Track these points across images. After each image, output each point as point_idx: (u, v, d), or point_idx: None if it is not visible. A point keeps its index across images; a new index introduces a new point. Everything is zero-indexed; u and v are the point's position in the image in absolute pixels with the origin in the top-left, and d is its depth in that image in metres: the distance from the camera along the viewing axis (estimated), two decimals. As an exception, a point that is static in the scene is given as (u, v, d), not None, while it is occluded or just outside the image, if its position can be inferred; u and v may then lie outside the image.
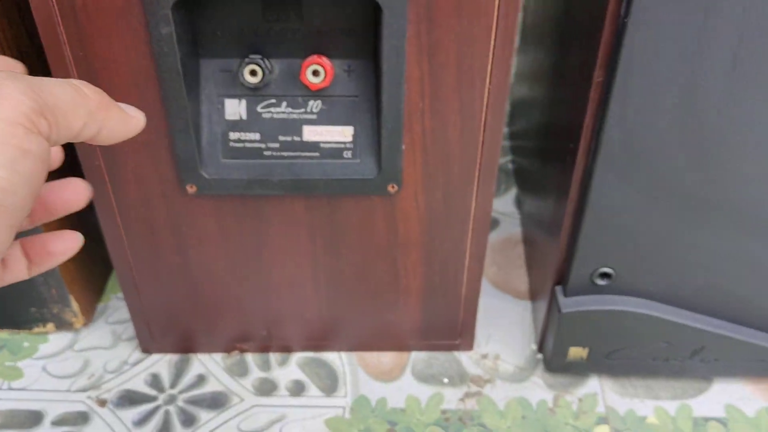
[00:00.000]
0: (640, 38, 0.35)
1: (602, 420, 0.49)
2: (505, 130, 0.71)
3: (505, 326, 0.55)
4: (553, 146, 0.49)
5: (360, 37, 0.39)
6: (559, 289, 0.48)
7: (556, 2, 0.50)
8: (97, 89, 0.27)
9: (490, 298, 0.57)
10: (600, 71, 0.38)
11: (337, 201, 0.44)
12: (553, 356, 0.50)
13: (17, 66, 0.30)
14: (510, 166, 0.68)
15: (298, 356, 0.53)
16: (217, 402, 0.50)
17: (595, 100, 0.39)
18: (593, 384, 0.51)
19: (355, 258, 0.47)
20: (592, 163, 0.41)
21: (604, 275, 0.46)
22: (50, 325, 0.53)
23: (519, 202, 0.64)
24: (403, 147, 0.41)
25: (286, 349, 0.53)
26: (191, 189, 0.42)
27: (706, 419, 0.49)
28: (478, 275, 0.48)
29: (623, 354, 0.49)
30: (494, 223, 0.62)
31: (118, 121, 0.28)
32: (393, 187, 0.42)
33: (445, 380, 0.51)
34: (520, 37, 0.67)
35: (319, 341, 0.53)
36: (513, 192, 0.66)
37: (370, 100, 0.41)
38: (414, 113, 0.40)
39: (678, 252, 0.44)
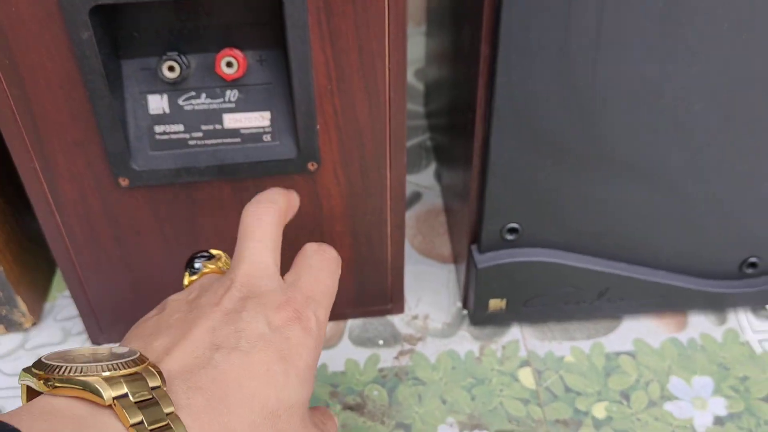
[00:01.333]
0: (514, 14, 0.40)
1: (524, 363, 0.54)
2: (422, 110, 0.75)
3: (432, 288, 0.59)
4: (459, 119, 0.53)
5: (268, 29, 0.42)
6: (474, 247, 0.52)
7: (451, -14, 0.54)
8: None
9: (418, 265, 0.61)
10: (485, 46, 0.42)
11: (262, 182, 0.47)
12: (476, 310, 0.54)
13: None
14: (429, 143, 0.72)
15: (241, 334, 0.56)
16: (168, 383, 0.53)
17: (485, 73, 0.44)
18: (514, 332, 0.56)
19: (286, 236, 0.50)
20: (488, 130, 0.45)
21: (512, 230, 0.50)
22: (0, 327, 0.56)
23: (438, 175, 0.69)
24: (318, 127, 0.45)
25: (230, 328, 0.56)
26: (124, 182, 0.45)
27: (617, 354, 0.54)
28: (401, 242, 0.52)
29: (538, 301, 0.54)
30: (417, 196, 0.67)
31: None
32: (313, 165, 0.46)
33: (381, 342, 0.55)
34: (427, 21, 0.71)
35: (260, 318, 0.56)
36: (433, 166, 0.70)
37: (283, 86, 0.44)
38: (324, 95, 0.44)
39: (573, 203, 0.49)
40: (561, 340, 0.55)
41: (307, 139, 0.45)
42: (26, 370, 0.29)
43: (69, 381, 0.28)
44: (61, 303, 0.59)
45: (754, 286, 0.55)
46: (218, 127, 0.44)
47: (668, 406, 0.51)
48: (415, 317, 0.57)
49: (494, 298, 0.54)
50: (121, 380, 0.28)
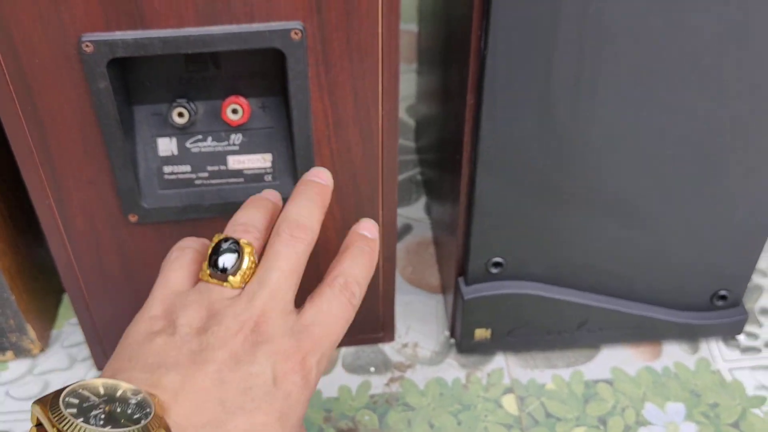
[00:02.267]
0: (497, 67, 0.43)
1: (508, 390, 0.57)
2: (413, 145, 0.79)
3: (421, 318, 0.62)
4: (447, 158, 0.57)
5: (271, 79, 0.46)
6: (461, 279, 0.56)
7: (440, 31, 0.58)
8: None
9: (408, 295, 0.64)
10: (471, 94, 0.46)
11: (263, 219, 0.50)
12: (462, 339, 0.58)
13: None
14: (419, 177, 0.75)
15: (239, 360, 0.59)
16: (169, 407, 0.56)
17: (470, 119, 0.47)
18: (499, 360, 0.59)
19: (282, 267, 0.54)
20: (474, 171, 0.49)
21: (497, 264, 0.54)
22: (9, 354, 0.58)
23: (428, 209, 0.72)
24: (315, 168, 0.48)
25: (229, 355, 0.59)
26: (133, 218, 0.48)
27: (596, 381, 0.58)
28: (391, 274, 0.55)
29: (521, 331, 0.57)
30: (408, 229, 0.70)
31: None
32: (310, 203, 0.49)
33: (372, 369, 0.58)
34: (417, 60, 0.75)
35: (257, 345, 0.59)
36: (423, 200, 0.73)
37: (284, 130, 0.48)
38: (322, 139, 0.47)
39: (555, 239, 0.52)
40: (543, 368, 0.58)
41: (306, 179, 0.48)
42: (43, 402, 0.30)
43: None
44: (67, 330, 0.62)
45: (724, 317, 0.58)
46: (223, 167, 0.47)
47: (643, 431, 0.54)
48: (405, 345, 0.60)
49: (480, 328, 0.57)
50: None
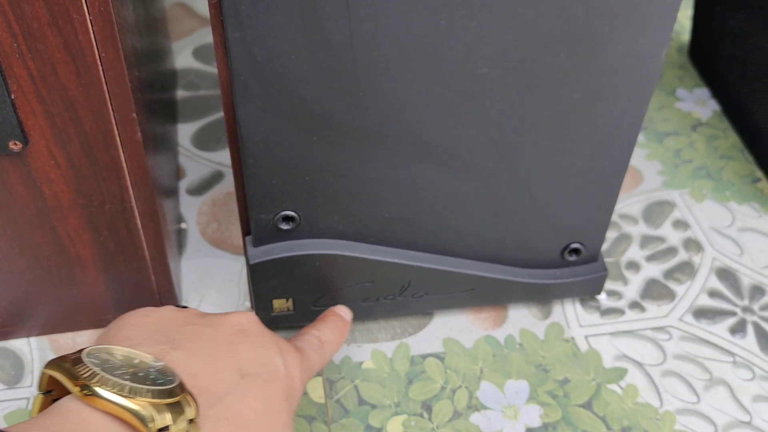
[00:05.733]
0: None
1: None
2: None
3: (220, 286, 0.51)
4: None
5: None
6: (248, 239, 0.44)
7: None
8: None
9: (207, 258, 0.52)
10: (209, -12, 0.34)
11: (-44, 167, 0.38)
12: (259, 312, 0.46)
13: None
14: (240, 115, 0.63)
15: (-20, 348, 0.47)
16: None
17: (217, 26, 0.35)
18: (309, 336, 0.48)
19: (5, 231, 0.41)
20: (233, 95, 0.37)
21: (288, 219, 0.42)
22: None
23: (244, 152, 0.60)
24: (13, 96, 0.35)
25: (-35, 342, 0.47)
26: None
27: (424, 356, 0.47)
28: (157, 234, 0.44)
29: (330, 300, 0.46)
30: (218, 177, 0.58)
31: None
32: (16, 144, 0.37)
33: (150, 353, 0.47)
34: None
35: (1, 328, 0.47)
36: (242, 142, 0.61)
37: (-37, 45, 0.35)
38: (11, 55, 0.34)
39: (355, 186, 0.41)
40: (361, 343, 0.48)
41: (1, 112, 0.36)
42: (59, 363, 0.27)
43: (112, 400, 0.26)
44: None
45: (578, 275, 0.49)
46: None
47: (475, 418, 0.44)
48: (194, 321, 0.49)
49: (278, 298, 0.46)
50: (166, 409, 0.27)
